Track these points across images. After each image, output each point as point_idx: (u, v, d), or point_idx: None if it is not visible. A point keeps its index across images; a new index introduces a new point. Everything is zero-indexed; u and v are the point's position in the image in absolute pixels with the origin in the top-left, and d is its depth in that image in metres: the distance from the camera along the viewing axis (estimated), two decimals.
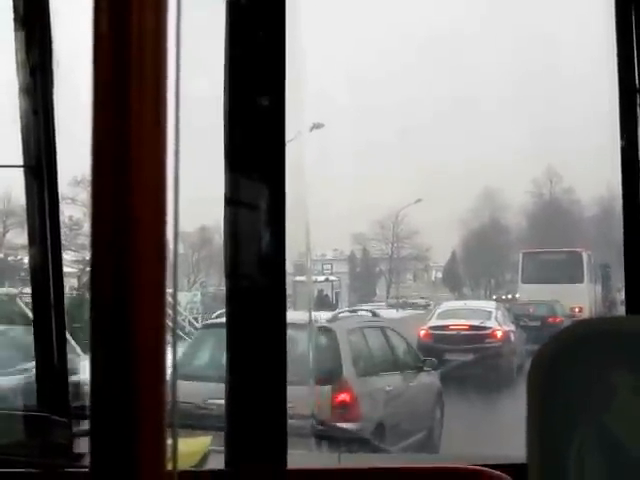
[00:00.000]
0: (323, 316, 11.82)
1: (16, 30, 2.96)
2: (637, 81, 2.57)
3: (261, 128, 2.49)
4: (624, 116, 2.59)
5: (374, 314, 13.70)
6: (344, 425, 9.33)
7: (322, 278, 25.50)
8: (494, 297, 30.93)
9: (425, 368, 11.92)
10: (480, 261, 34.91)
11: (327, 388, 9.85)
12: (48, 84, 2.99)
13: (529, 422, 1.05)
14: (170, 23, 0.84)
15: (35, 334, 3.09)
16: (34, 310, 3.10)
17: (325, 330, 10.62)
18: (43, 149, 3.00)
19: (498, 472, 2.22)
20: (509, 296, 30.13)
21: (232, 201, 2.49)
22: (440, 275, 36.00)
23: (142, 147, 0.83)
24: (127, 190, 0.83)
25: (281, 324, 2.53)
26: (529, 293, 24.44)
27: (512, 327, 18.27)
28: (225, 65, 2.49)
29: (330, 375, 10.05)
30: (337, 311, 13.33)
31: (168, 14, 0.84)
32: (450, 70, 29.07)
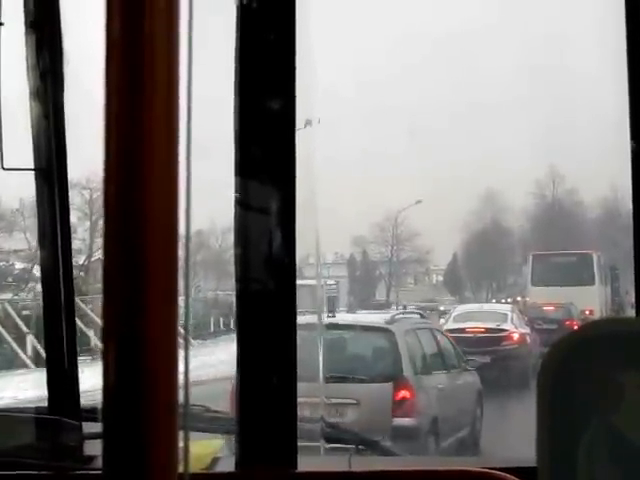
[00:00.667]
0: (380, 318, 12.68)
1: (27, 34, 2.97)
2: None
3: (271, 129, 2.49)
4: (634, 116, 2.57)
5: (422, 316, 14.37)
6: (404, 420, 10.21)
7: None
8: (493, 300, 30.42)
9: (468, 368, 12.69)
10: (482, 264, 34.60)
11: (389, 385, 10.64)
12: (58, 88, 3.00)
13: (539, 424, 1.05)
14: (182, 27, 0.84)
15: (45, 337, 3.10)
16: (44, 313, 3.11)
17: (385, 331, 11.42)
18: (54, 152, 3.01)
19: (508, 475, 2.22)
20: (510, 299, 29.64)
21: (242, 204, 2.49)
22: (441, 278, 35.59)
23: (154, 151, 0.83)
24: (139, 194, 0.83)
25: (291, 327, 2.53)
26: (539, 296, 24.16)
27: (527, 330, 18.38)
28: (235, 66, 2.49)
29: (391, 373, 10.86)
30: (394, 313, 14.19)
31: (180, 18, 0.84)
32: (454, 72, 29.03)
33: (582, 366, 1.05)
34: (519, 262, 32.83)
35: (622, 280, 29.88)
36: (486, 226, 34.75)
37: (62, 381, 3.03)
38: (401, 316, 13.18)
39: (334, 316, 12.59)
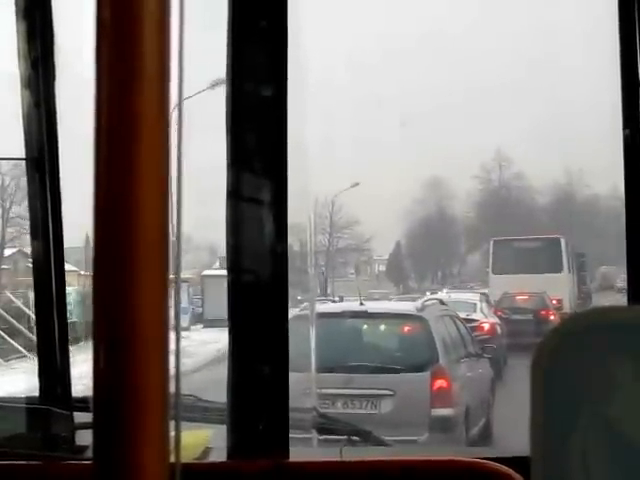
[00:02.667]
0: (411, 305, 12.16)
1: (18, 22, 2.96)
2: None
3: (263, 118, 2.49)
4: (626, 106, 2.58)
5: (442, 302, 13.59)
6: (442, 411, 9.75)
7: None
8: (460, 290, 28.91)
9: (485, 355, 12.16)
10: (427, 253, 33.73)
11: (425, 374, 10.08)
12: (50, 76, 2.99)
13: (532, 415, 1.05)
14: (173, 12, 0.84)
15: (37, 327, 3.09)
16: (36, 303, 3.10)
17: (418, 319, 10.84)
18: (45, 141, 3.00)
19: (500, 465, 2.22)
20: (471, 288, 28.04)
21: (234, 193, 2.49)
22: (383, 268, 34.43)
23: (145, 137, 0.82)
24: (130, 180, 0.82)
25: (283, 316, 2.53)
26: (501, 285, 22.49)
27: (497, 320, 17.73)
28: (227, 54, 2.48)
29: (427, 362, 10.24)
30: (424, 299, 13.26)
31: (171, 3, 0.83)
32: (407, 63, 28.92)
33: (575, 357, 1.05)
34: (465, 251, 32.11)
35: (589, 268, 28.61)
36: (431, 213, 33.99)
37: (53, 371, 3.02)
38: (428, 303, 12.46)
39: (362, 304, 11.82)
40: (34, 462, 2.56)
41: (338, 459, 2.47)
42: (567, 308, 22.14)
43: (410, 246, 34.22)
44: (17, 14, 2.96)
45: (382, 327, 11.28)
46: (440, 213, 33.92)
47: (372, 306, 12.19)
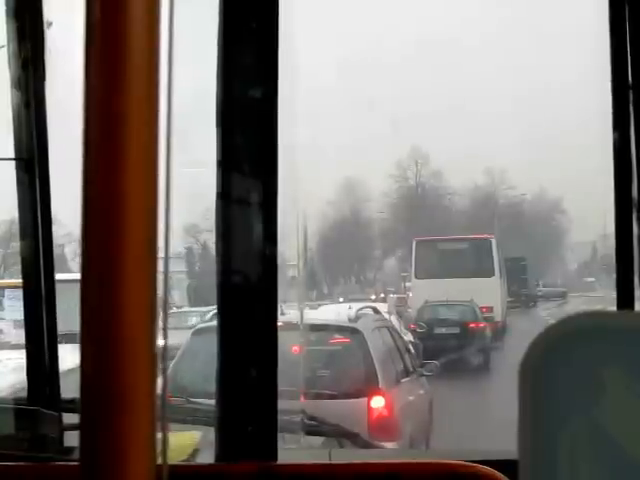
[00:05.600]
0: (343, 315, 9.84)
1: (8, 22, 2.96)
2: (630, 77, 2.58)
3: (254, 121, 2.49)
4: (617, 111, 2.60)
5: (376, 311, 11.37)
6: (388, 445, 7.22)
7: None
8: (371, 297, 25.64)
9: (425, 372, 10.35)
10: (340, 257, 32.61)
11: (361, 401, 8.32)
12: (40, 77, 2.99)
13: (521, 418, 1.05)
14: (163, 13, 0.84)
15: (26, 327, 3.08)
16: (25, 304, 3.09)
17: (352, 331, 8.99)
18: (35, 142, 2.99)
19: (487, 468, 2.22)
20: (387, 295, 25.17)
21: (223, 195, 2.48)
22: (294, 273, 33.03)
23: (134, 137, 0.82)
24: (118, 181, 0.82)
25: (272, 321, 2.53)
26: (425, 291, 20.29)
27: (410, 336, 14.62)
28: (218, 55, 2.48)
29: (364, 385, 8.53)
30: (357, 308, 10.62)
31: (161, 2, 0.83)
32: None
33: (564, 360, 1.05)
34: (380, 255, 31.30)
35: (528, 274, 26.28)
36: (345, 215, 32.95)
37: (42, 371, 3.01)
38: (362, 312, 10.22)
39: (283, 313, 8.09)
40: (22, 463, 2.56)
41: (326, 462, 2.47)
42: (499, 316, 20.69)
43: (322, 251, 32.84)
44: (7, 15, 2.96)
45: (308, 342, 8.58)
46: (355, 214, 33.26)
47: (294, 316, 9.30)
